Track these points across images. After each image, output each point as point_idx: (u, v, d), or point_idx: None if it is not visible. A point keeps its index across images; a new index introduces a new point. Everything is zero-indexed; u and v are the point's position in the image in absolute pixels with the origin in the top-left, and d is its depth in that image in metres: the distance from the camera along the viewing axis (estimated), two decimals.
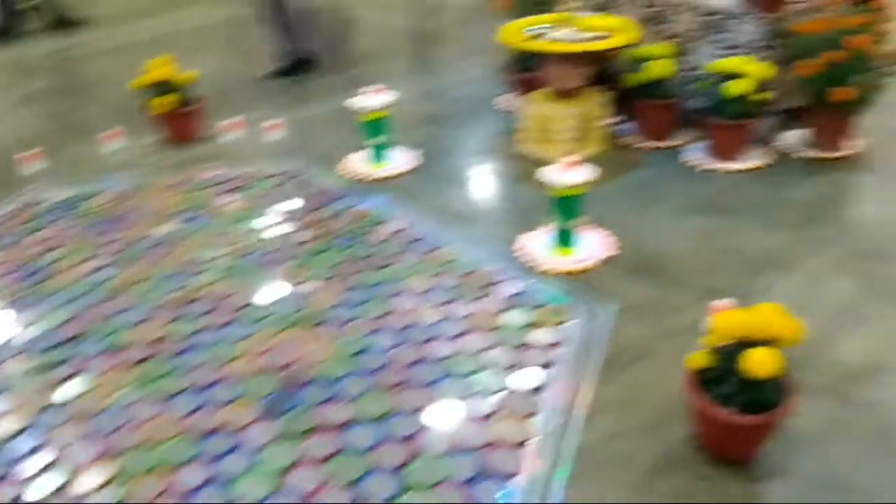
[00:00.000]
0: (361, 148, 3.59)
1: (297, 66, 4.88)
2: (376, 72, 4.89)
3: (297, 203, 3.30)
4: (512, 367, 2.24)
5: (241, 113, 4.18)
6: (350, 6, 6.46)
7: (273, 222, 3.16)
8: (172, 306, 2.64)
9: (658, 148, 3.57)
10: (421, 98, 4.49)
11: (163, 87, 3.91)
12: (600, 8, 3.88)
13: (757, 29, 3.37)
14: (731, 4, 3.42)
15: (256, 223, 3.16)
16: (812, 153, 3.37)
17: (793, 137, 3.49)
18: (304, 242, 2.99)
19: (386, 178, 3.47)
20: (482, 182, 3.52)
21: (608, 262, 2.73)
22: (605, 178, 3.21)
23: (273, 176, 3.55)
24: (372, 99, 3.42)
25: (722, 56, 3.43)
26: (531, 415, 2.06)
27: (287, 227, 3.11)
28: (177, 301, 2.67)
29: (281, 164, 3.67)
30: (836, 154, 3.34)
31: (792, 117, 3.52)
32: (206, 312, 2.59)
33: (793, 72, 3.29)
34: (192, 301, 2.66)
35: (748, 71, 3.22)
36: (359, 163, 3.59)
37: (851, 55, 3.11)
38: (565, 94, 3.50)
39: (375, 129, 3.50)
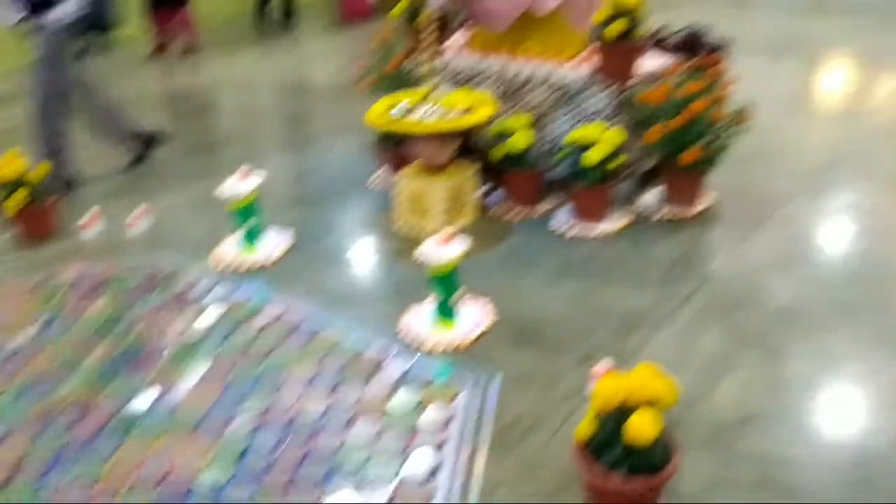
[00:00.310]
0: (233, 233, 3.50)
1: (147, 145, 4.69)
2: (244, 153, 4.82)
3: (166, 297, 3.17)
4: (404, 452, 2.20)
5: (101, 205, 3.99)
6: (213, 88, 6.42)
7: (140, 320, 3.01)
8: (33, 421, 2.44)
9: (527, 215, 3.69)
10: (292, 178, 4.47)
11: (14, 184, 3.69)
12: (459, 84, 4.03)
13: (606, 98, 3.58)
14: (581, 77, 3.63)
15: (123, 323, 3.00)
16: (669, 212, 3.58)
17: (650, 198, 3.71)
18: (177, 338, 2.86)
19: (261, 264, 3.39)
20: (360, 260, 3.51)
21: (490, 332, 2.77)
22: (479, 249, 3.29)
23: (138, 271, 3.40)
24: (240, 183, 3.36)
25: (577, 125, 3.62)
26: (428, 500, 2.03)
27: (156, 324, 2.97)
28: (38, 415, 2.47)
29: (147, 257, 3.52)
30: (691, 212, 3.56)
31: (648, 179, 3.75)
32: (72, 425, 2.41)
33: (643, 137, 3.51)
34: (56, 413, 2.47)
35: (603, 138, 3.40)
36: (231, 250, 3.49)
37: (693, 119, 3.35)
38: (435, 169, 3.57)
39: (246, 214, 3.43)
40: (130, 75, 6.93)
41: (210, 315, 3.00)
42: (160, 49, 7.46)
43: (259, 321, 2.94)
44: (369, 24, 8.17)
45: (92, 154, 4.62)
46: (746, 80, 3.81)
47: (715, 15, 7.31)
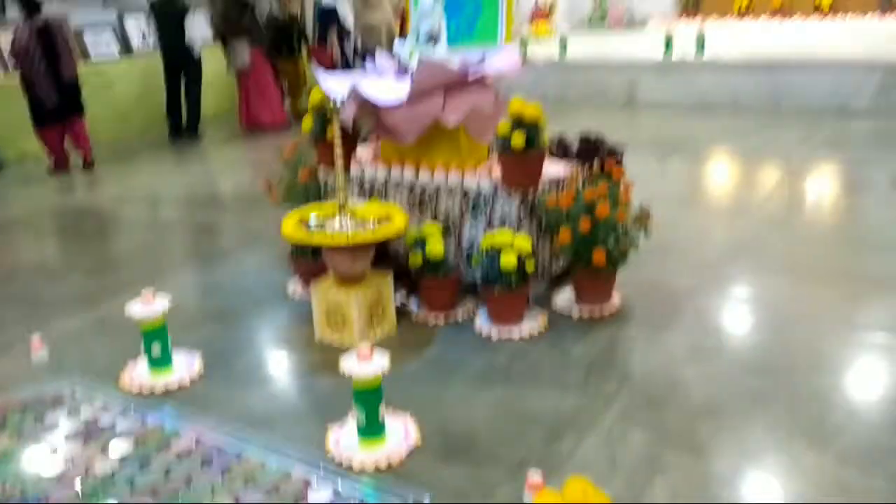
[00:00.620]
0: (142, 356, 3.35)
1: None
2: (150, 270, 4.69)
3: (73, 427, 2.96)
4: None
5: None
6: (116, 203, 6.26)
7: (45, 458, 2.79)
8: None
9: (447, 322, 3.69)
10: (202, 294, 4.35)
11: None
12: (369, 196, 4.08)
13: (514, 205, 3.69)
14: (488, 185, 3.74)
15: (24, 463, 2.77)
16: (583, 312, 3.66)
17: (564, 299, 3.79)
18: (88, 472, 2.66)
19: (173, 388, 3.23)
20: (279, 378, 3.40)
21: (418, 447, 2.71)
22: (402, 359, 3.26)
23: (40, 402, 3.18)
24: (148, 303, 3.24)
25: (489, 230, 3.71)
26: None
27: (61, 461, 2.76)
28: None
29: (50, 386, 3.30)
30: (605, 310, 3.66)
31: (560, 280, 3.84)
32: None
33: (553, 241, 3.62)
34: None
35: (514, 243, 3.49)
36: (141, 373, 3.33)
37: (599, 222, 3.49)
38: (351, 280, 3.55)
39: (155, 335, 3.29)
40: (27, 193, 6.70)
41: (121, 445, 2.82)
42: (59, 165, 7.25)
43: (174, 449, 2.77)
44: (278, 134, 8.26)
45: None
46: (640, 179, 4.02)
47: (605, 119, 7.80)
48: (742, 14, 11.35)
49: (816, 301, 3.74)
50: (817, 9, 10.96)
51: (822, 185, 5.90)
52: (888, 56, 7.74)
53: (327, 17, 8.23)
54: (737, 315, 3.79)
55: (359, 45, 8.13)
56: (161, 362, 3.31)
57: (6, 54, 7.85)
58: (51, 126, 7.08)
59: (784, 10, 11.02)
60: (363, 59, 4.39)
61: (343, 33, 8.19)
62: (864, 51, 8.32)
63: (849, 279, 3.97)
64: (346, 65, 7.84)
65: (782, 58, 8.36)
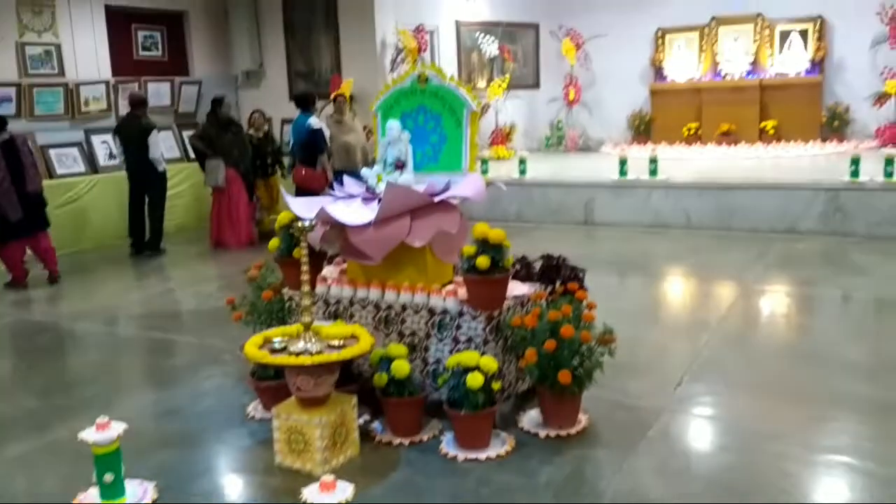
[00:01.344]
0: (93, 485, 3.20)
1: None
2: (105, 391, 4.55)
3: None
4: None
5: None
6: (74, 319, 6.14)
7: None
8: None
9: (412, 443, 3.63)
10: (160, 416, 4.21)
11: None
12: (334, 316, 4.08)
13: (479, 325, 3.72)
14: (453, 305, 3.78)
15: None
16: (550, 432, 3.63)
17: (531, 418, 3.77)
18: None
19: None
20: None
21: None
22: (367, 485, 3.18)
23: None
24: (100, 430, 3.13)
25: (455, 350, 3.72)
26: None
27: None
28: None
29: None
30: (570, 430, 3.63)
31: (525, 400, 3.83)
32: None
33: (518, 360, 3.63)
34: None
35: (480, 363, 3.48)
36: (91, 503, 3.17)
37: (564, 342, 3.52)
38: (314, 403, 3.49)
39: (107, 463, 3.16)
40: None
41: None
42: (16, 281, 7.11)
43: None
44: (243, 252, 8.26)
45: None
46: (600, 296, 4.09)
47: (564, 237, 8.00)
48: (690, 140, 11.92)
49: (780, 420, 3.77)
50: (762, 135, 11.58)
51: (777, 304, 6.06)
52: (831, 180, 8.16)
53: (314, 137, 8.29)
54: (702, 435, 3.79)
55: (335, 165, 8.25)
56: (113, 491, 3.17)
57: None
58: (12, 242, 6.99)
59: (730, 136, 11.61)
60: (339, 178, 4.48)
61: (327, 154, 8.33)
62: (808, 175, 8.76)
63: (810, 398, 4.03)
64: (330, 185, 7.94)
65: (732, 180, 8.75)
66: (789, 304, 6.05)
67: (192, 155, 10.25)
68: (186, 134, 10.42)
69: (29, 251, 7.22)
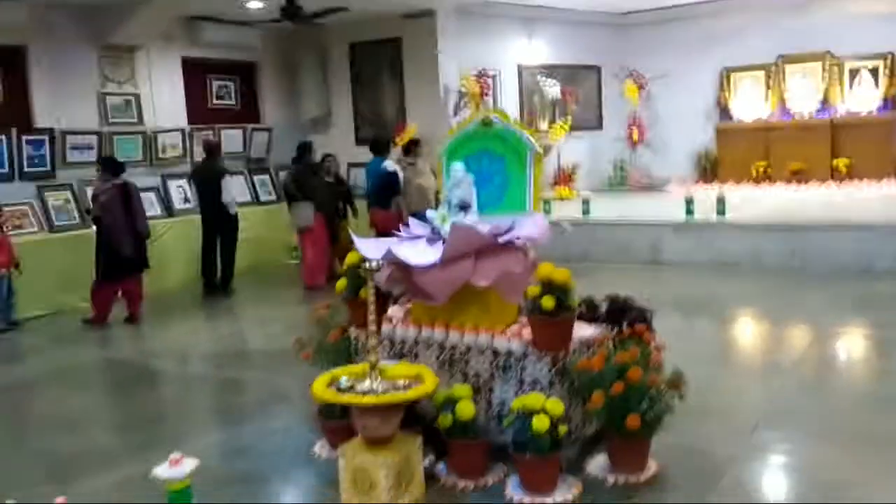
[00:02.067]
0: None
1: None
2: (178, 428, 4.66)
3: None
4: None
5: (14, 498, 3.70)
6: (151, 357, 6.33)
7: None
8: None
9: (477, 486, 3.59)
10: (229, 454, 4.28)
11: None
12: (399, 356, 4.10)
13: (544, 368, 3.68)
14: (518, 346, 3.76)
15: None
16: (618, 478, 3.55)
17: (598, 464, 3.69)
18: None
19: None
20: None
21: None
22: None
23: None
24: (173, 467, 3.20)
25: (519, 393, 3.69)
26: None
27: None
28: None
29: None
30: (641, 477, 3.55)
31: (592, 445, 3.76)
32: None
33: (585, 404, 3.58)
34: None
35: (545, 406, 3.44)
36: None
37: (631, 386, 3.46)
38: (379, 443, 3.50)
39: (179, 499, 3.23)
40: (68, 344, 6.81)
41: None
42: (98, 320, 7.36)
43: None
44: (315, 292, 8.35)
45: None
46: (668, 338, 4.00)
47: (629, 278, 7.88)
48: (759, 179, 11.67)
49: (860, 470, 3.60)
50: (834, 174, 11.26)
51: (855, 347, 5.83)
52: None
53: (390, 180, 8.55)
54: (778, 484, 3.65)
55: (411, 207, 8.39)
56: None
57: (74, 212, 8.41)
58: (114, 281, 7.33)
59: (801, 175, 11.32)
60: (414, 219, 4.55)
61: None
62: (884, 213, 8.47)
63: (891, 446, 3.84)
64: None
65: (803, 220, 8.52)
66: (868, 348, 5.81)
67: (262, 198, 10.63)
68: (258, 178, 10.77)
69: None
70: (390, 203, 8.49)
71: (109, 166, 7.45)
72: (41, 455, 4.36)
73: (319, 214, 8.76)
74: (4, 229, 7.42)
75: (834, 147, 11.45)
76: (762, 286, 7.61)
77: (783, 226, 8.47)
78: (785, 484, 3.66)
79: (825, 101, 11.73)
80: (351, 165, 10.68)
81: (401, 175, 8.60)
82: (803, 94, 11.85)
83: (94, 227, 7.46)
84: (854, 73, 11.55)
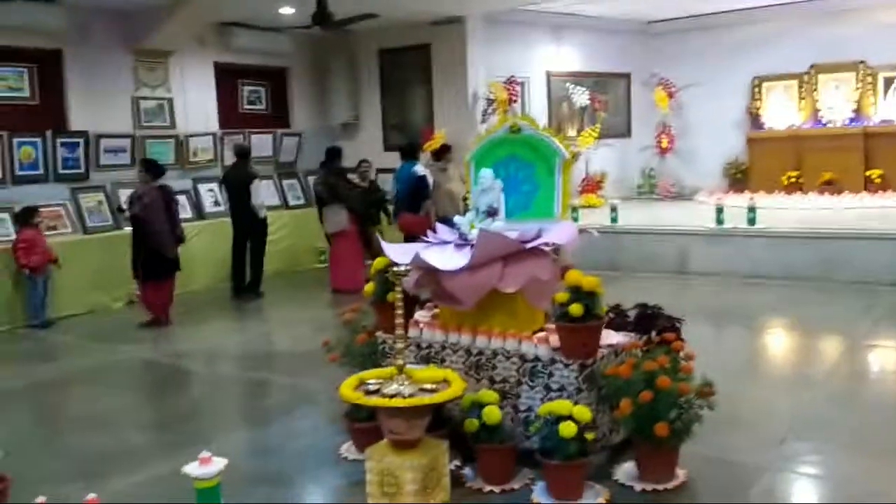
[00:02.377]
0: None
1: None
2: (207, 427, 4.71)
3: None
4: None
5: (48, 494, 3.77)
6: (182, 358, 6.41)
7: None
8: None
9: (503, 491, 3.59)
10: (257, 454, 4.32)
11: None
12: (426, 360, 4.11)
13: (571, 374, 3.68)
14: (546, 352, 3.75)
15: None
16: (646, 486, 3.53)
17: (626, 471, 3.67)
18: None
19: None
20: None
21: None
22: None
23: None
24: (203, 466, 3.24)
25: (546, 398, 3.68)
26: None
27: None
28: None
29: None
30: (667, 485, 3.52)
31: (622, 452, 3.74)
32: None
33: (613, 411, 3.56)
34: None
35: (573, 412, 3.43)
36: None
37: (661, 394, 3.44)
38: (406, 445, 3.51)
39: (208, 497, 3.26)
40: (100, 343, 6.91)
41: None
42: (160, 321, 7.45)
43: None
44: (341, 296, 8.36)
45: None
46: (697, 348, 3.94)
47: (657, 286, 7.83)
48: (790, 189, 11.53)
49: (890, 482, 3.54)
50: (868, 184, 11.09)
51: (888, 360, 5.74)
52: None
53: (420, 184, 8.59)
54: (808, 496, 3.60)
55: (440, 211, 8.41)
56: None
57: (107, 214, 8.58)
58: (159, 281, 7.43)
59: (833, 186, 11.17)
60: (443, 224, 4.58)
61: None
62: None
63: None
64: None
65: (836, 229, 8.41)
66: None
67: (291, 202, 10.72)
68: (287, 183, 10.86)
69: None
70: (420, 207, 8.53)
71: (152, 168, 7.57)
72: (72, 453, 4.43)
73: (352, 218, 8.82)
74: (40, 229, 7.57)
75: (867, 157, 11.28)
76: (792, 296, 7.51)
77: (815, 235, 8.36)
78: (814, 495, 3.61)
79: (858, 111, 11.57)
80: (379, 171, 10.73)
81: (430, 180, 8.63)
82: (836, 103, 11.69)
83: (132, 227, 7.56)
84: (888, 82, 11.38)
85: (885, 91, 11.41)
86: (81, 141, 8.66)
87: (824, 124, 11.79)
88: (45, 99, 8.66)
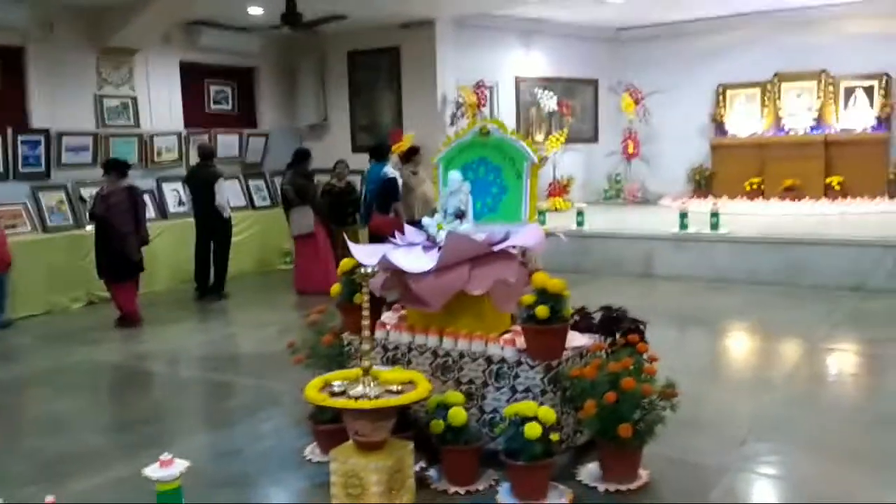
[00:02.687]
0: None
1: None
2: (168, 429, 4.65)
3: None
4: None
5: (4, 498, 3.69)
6: (141, 359, 6.31)
7: None
8: None
9: (468, 492, 3.60)
10: (220, 457, 4.26)
11: None
12: (392, 361, 4.11)
13: (537, 375, 3.69)
14: (512, 354, 3.77)
15: None
16: (609, 486, 3.56)
17: (589, 472, 3.70)
18: None
19: None
20: None
21: None
22: None
23: None
24: (164, 468, 3.19)
25: (512, 399, 3.69)
26: None
27: None
28: None
29: None
30: (630, 486, 3.55)
31: (585, 453, 3.76)
32: None
33: (577, 412, 3.58)
34: None
35: (538, 413, 3.45)
36: None
37: (625, 395, 3.47)
38: (371, 447, 3.50)
39: (169, 500, 3.21)
40: (59, 345, 6.78)
41: None
42: (132, 320, 7.33)
43: None
44: (307, 297, 8.30)
45: None
46: (661, 351, 3.99)
47: (622, 289, 7.90)
48: (753, 195, 11.73)
49: (847, 483, 3.62)
50: (828, 191, 11.32)
51: (846, 363, 5.85)
52: None
53: (390, 185, 8.54)
54: (767, 496, 3.66)
55: (415, 215, 8.36)
56: None
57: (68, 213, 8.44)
58: (121, 282, 7.32)
59: (795, 192, 11.38)
60: (414, 226, 4.57)
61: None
62: (877, 231, 8.52)
63: (881, 462, 3.86)
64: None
65: (798, 235, 8.56)
66: (859, 364, 5.84)
67: (257, 203, 10.63)
68: (254, 184, 10.77)
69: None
70: (389, 209, 8.50)
71: (119, 168, 7.43)
72: (30, 455, 4.34)
73: (319, 220, 8.76)
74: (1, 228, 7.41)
75: (827, 164, 11.52)
76: (754, 301, 7.63)
77: (777, 240, 8.51)
78: (774, 495, 3.67)
79: (820, 119, 11.81)
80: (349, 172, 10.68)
81: (400, 182, 8.60)
82: (798, 111, 11.92)
83: (94, 228, 7.42)
84: (849, 92, 11.64)
85: (846, 100, 11.66)
86: (43, 139, 8.50)
87: (786, 132, 12.02)
88: (6, 96, 8.49)
